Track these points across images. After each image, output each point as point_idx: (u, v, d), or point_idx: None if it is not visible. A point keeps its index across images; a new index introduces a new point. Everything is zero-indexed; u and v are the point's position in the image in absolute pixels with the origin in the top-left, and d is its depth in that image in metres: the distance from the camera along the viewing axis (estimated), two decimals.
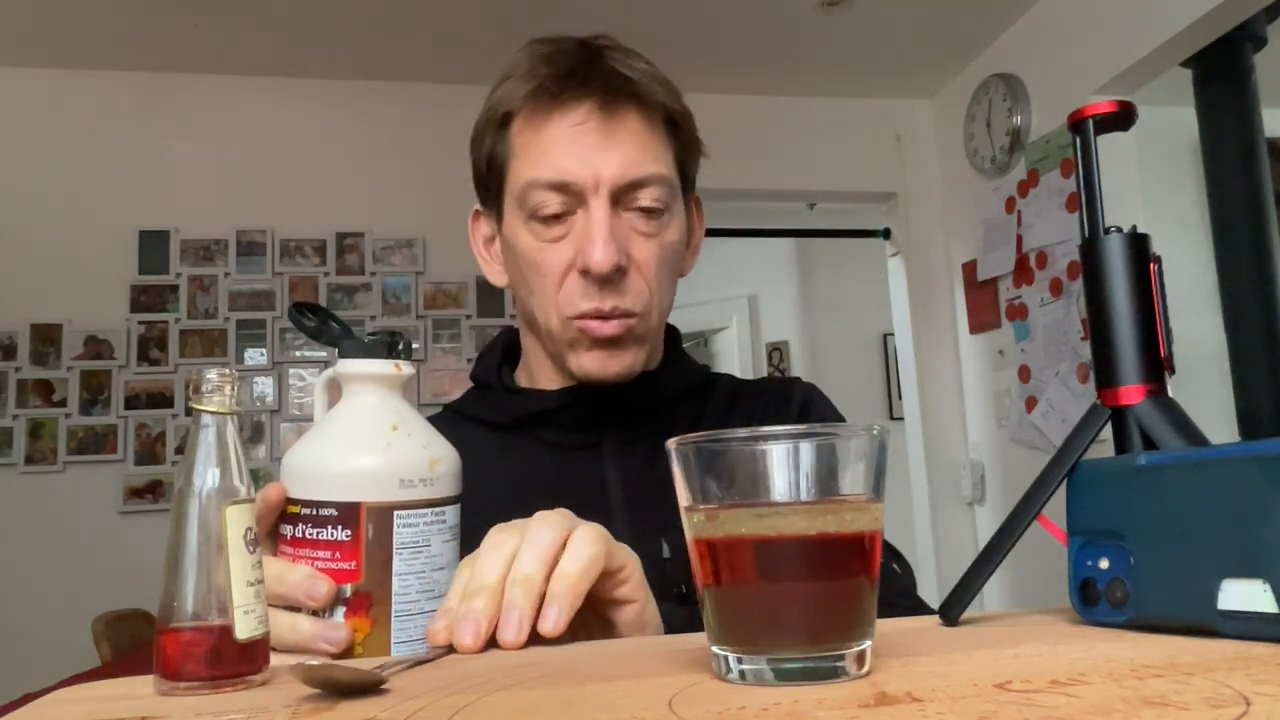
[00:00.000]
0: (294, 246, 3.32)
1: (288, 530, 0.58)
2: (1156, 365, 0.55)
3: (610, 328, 0.78)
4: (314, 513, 0.56)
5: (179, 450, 3.09)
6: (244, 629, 0.47)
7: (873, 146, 3.70)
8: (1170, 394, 0.55)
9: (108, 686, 0.49)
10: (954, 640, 0.51)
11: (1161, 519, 0.49)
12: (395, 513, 0.56)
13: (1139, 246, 0.56)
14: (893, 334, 4.07)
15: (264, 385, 3.24)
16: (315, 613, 0.55)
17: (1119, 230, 0.56)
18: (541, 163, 0.77)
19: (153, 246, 3.23)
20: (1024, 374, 3.19)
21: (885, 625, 0.54)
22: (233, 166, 3.32)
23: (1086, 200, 0.57)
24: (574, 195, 0.76)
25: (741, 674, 0.41)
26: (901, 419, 3.87)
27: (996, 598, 3.15)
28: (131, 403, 3.15)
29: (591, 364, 0.79)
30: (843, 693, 0.38)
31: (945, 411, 3.66)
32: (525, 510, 0.76)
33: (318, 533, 0.56)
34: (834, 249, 4.93)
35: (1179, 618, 0.48)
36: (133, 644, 2.40)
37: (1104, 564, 0.51)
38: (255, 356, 3.25)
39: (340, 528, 0.55)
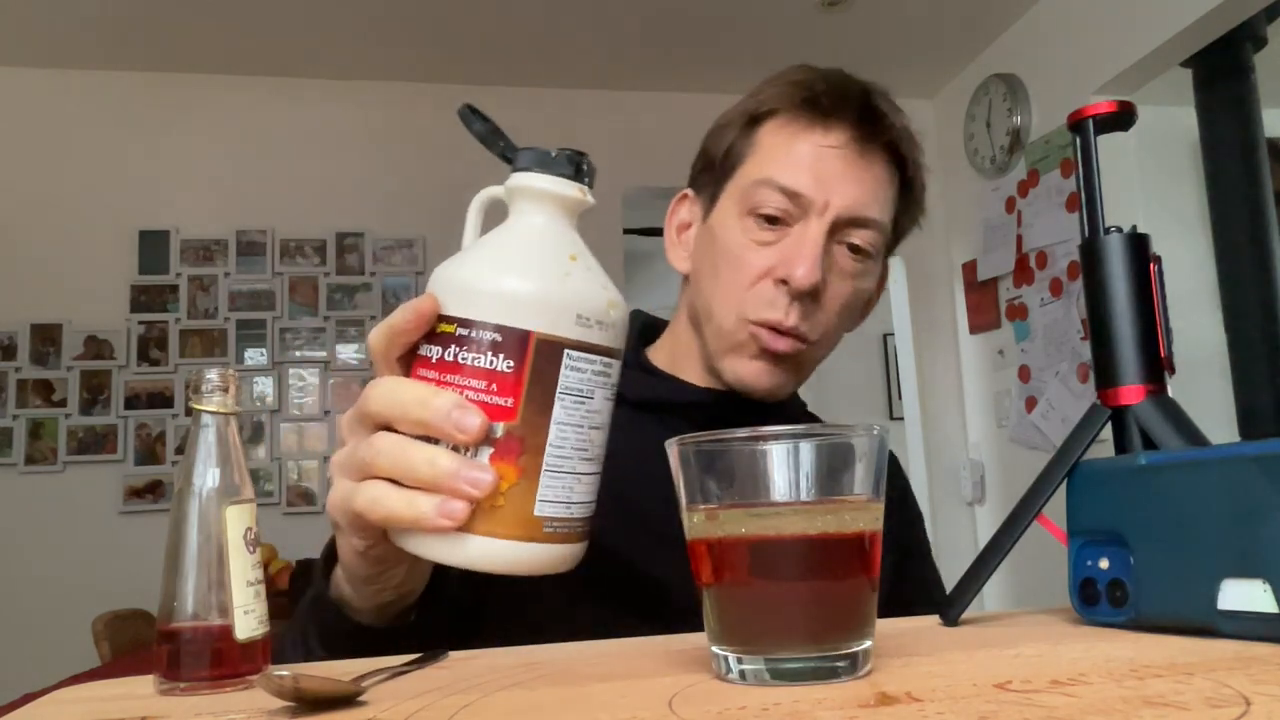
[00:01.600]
0: (294, 246, 3.32)
1: (433, 352, 0.49)
2: (1156, 365, 0.55)
3: (783, 343, 0.78)
4: (472, 334, 0.48)
5: (179, 450, 3.09)
6: (244, 629, 0.47)
7: None
8: (1170, 394, 0.55)
9: (108, 686, 0.49)
10: (954, 640, 0.51)
11: (1161, 519, 0.49)
12: (566, 351, 0.48)
13: (1139, 246, 0.56)
14: (893, 334, 4.07)
15: (264, 385, 3.24)
16: (454, 450, 0.47)
17: (1119, 230, 0.56)
18: (783, 166, 0.78)
19: (153, 246, 3.23)
20: (1024, 374, 3.19)
21: (885, 625, 0.55)
22: (233, 166, 3.32)
23: (1086, 200, 0.57)
24: (800, 208, 0.78)
25: (741, 674, 0.41)
26: (901, 419, 3.87)
27: (996, 598, 3.15)
28: (131, 403, 3.15)
29: (749, 372, 0.79)
30: (843, 693, 0.38)
31: (945, 411, 3.66)
32: (647, 485, 0.74)
33: (474, 359, 0.48)
34: None
35: (1179, 618, 0.48)
36: (133, 644, 2.40)
37: (1104, 564, 0.51)
38: (255, 356, 3.25)
39: (502, 356, 0.47)
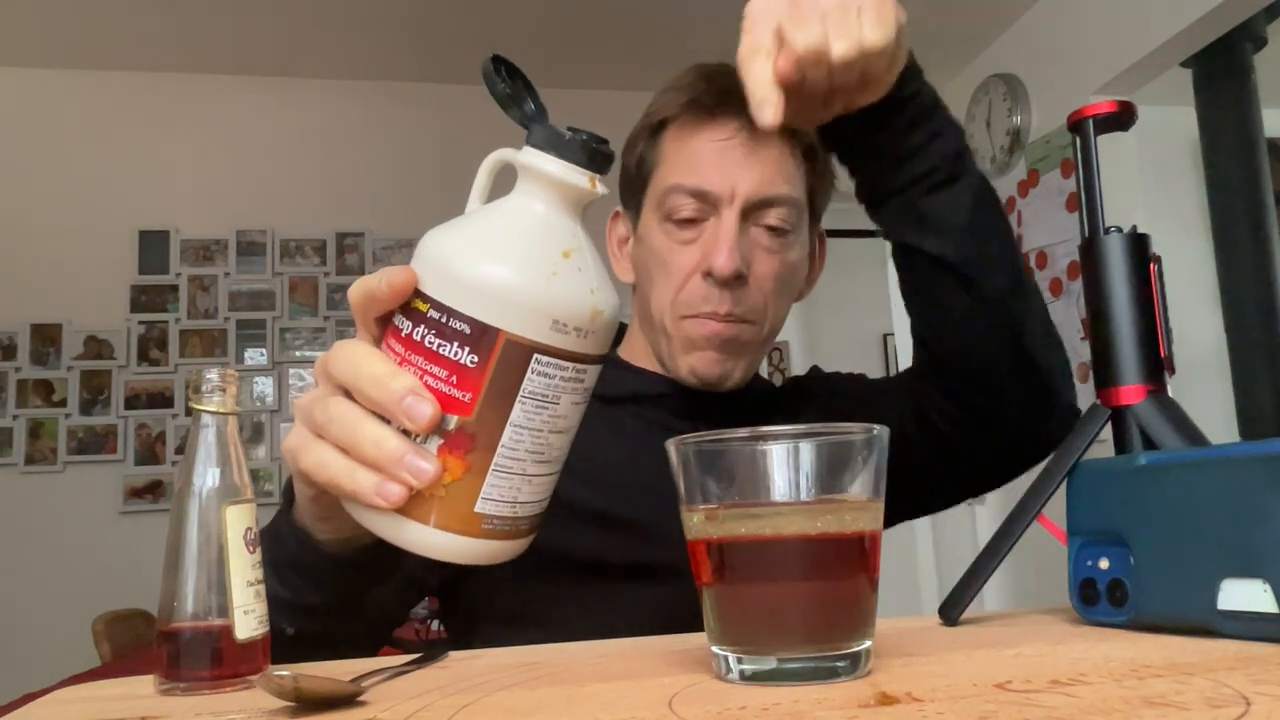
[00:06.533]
0: (294, 246, 3.32)
1: (404, 325, 0.48)
2: (1156, 365, 0.55)
3: (722, 328, 0.82)
4: (443, 320, 0.47)
5: (179, 450, 3.09)
6: (244, 629, 0.47)
7: None
8: (1170, 394, 0.55)
9: (108, 686, 0.50)
10: (954, 640, 0.51)
11: (1161, 519, 0.49)
12: (535, 355, 0.47)
13: (1139, 246, 0.56)
14: (893, 334, 4.07)
15: (264, 385, 3.24)
16: (404, 433, 0.47)
17: (1119, 230, 0.56)
18: (686, 170, 0.82)
19: (153, 246, 3.23)
20: None
21: (885, 625, 0.55)
22: (233, 166, 3.32)
23: (1086, 200, 0.57)
24: (709, 204, 0.82)
25: (741, 674, 0.41)
26: None
27: (996, 598, 3.15)
28: (131, 403, 3.15)
29: (699, 363, 0.83)
30: (843, 693, 0.38)
31: None
32: (633, 476, 0.78)
33: (440, 345, 0.47)
34: (833, 249, 4.89)
35: (1179, 618, 0.48)
36: (133, 644, 2.40)
37: (1104, 564, 0.51)
38: (255, 356, 3.25)
39: (467, 349, 0.46)
